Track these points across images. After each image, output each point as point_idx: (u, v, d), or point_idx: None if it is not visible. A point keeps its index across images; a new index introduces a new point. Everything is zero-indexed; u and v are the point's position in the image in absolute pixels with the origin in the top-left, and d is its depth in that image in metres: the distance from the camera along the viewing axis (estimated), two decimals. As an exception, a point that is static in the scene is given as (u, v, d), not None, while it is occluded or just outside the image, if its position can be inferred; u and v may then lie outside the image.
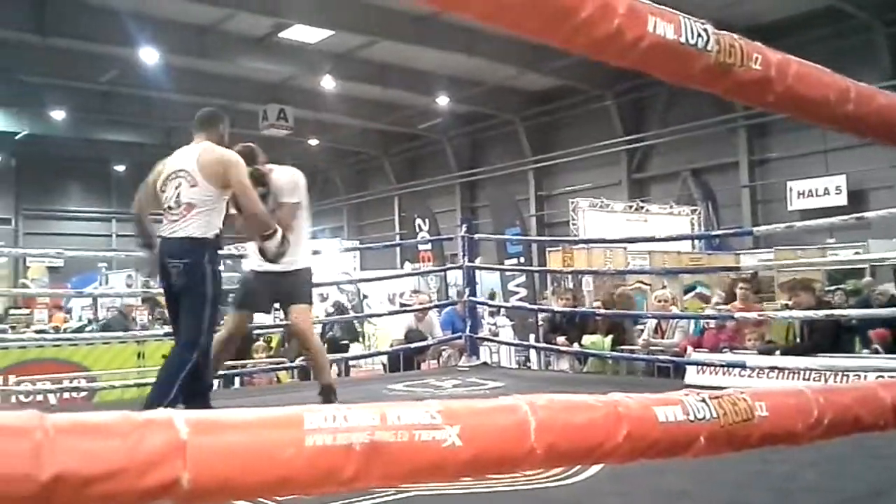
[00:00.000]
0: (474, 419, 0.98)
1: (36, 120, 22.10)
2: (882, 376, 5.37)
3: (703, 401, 1.18)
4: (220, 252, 4.30)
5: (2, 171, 26.72)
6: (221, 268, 4.40)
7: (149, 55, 16.76)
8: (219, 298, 4.22)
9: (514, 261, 13.32)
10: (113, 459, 0.74)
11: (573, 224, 15.38)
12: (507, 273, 13.01)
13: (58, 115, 21.39)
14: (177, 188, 4.17)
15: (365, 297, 15.34)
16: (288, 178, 4.94)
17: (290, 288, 4.85)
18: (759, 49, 1.28)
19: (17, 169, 26.95)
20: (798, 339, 7.59)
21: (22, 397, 7.08)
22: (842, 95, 1.39)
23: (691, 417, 1.15)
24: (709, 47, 1.19)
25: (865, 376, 5.54)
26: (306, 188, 5.10)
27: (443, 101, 20.33)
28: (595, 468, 2.95)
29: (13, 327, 13.13)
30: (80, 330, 13.02)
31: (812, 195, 16.34)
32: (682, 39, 1.15)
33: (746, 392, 1.26)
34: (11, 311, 14.78)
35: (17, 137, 23.26)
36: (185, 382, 3.95)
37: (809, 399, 1.33)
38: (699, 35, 1.18)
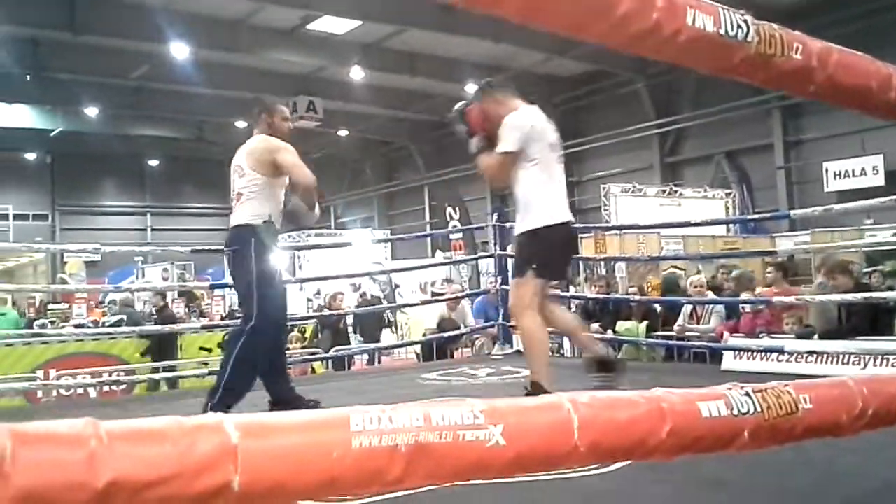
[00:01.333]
0: (517, 418, 0.99)
1: (70, 117, 22.40)
2: (923, 359, 5.29)
3: (747, 395, 1.17)
4: (271, 236, 4.24)
5: (38, 167, 27.17)
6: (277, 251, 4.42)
7: (179, 50, 16.91)
8: (267, 280, 4.20)
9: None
10: (166, 465, 0.76)
11: (605, 210, 15.28)
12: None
13: (91, 111, 21.66)
14: (232, 181, 4.41)
15: (397, 286, 15.41)
16: (505, 124, 4.05)
17: (515, 256, 4.31)
18: (800, 38, 1.26)
19: (52, 165, 27.38)
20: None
21: (63, 391, 7.22)
22: (884, 83, 1.37)
23: (735, 412, 1.14)
24: (748, 38, 1.17)
25: (906, 359, 5.45)
26: (537, 132, 3.98)
27: (471, 88, 20.26)
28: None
29: (52, 322, 13.36)
30: (118, 324, 13.22)
31: (849, 176, 16.06)
32: (722, 31, 1.14)
33: (790, 384, 1.25)
34: (50, 306, 15.02)
35: (52, 134, 23.61)
36: (259, 363, 4.16)
37: (853, 390, 1.32)
38: (738, 26, 1.16)
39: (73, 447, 0.72)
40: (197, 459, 0.78)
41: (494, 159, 3.93)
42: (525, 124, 3.88)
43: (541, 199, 3.89)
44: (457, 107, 4.27)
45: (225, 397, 3.98)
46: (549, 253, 3.83)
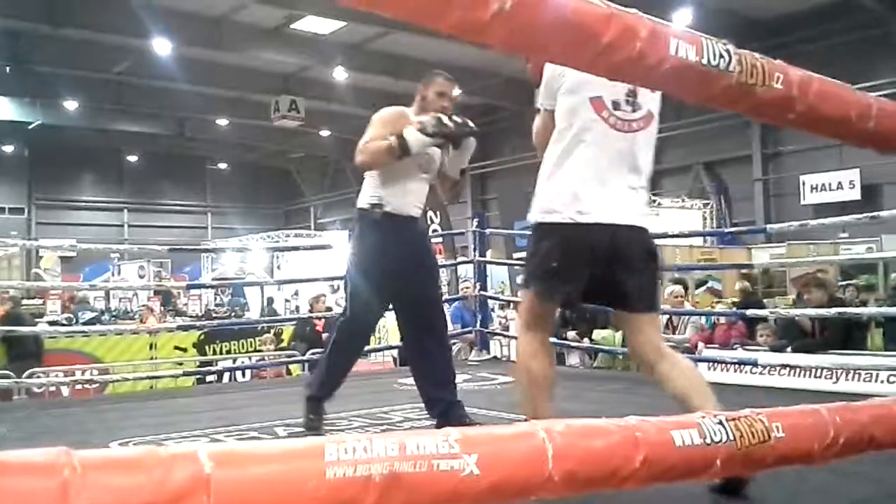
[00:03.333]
0: (492, 447, 0.99)
1: (49, 110, 22.19)
2: (894, 375, 5.35)
3: (720, 423, 1.18)
4: (377, 221, 3.68)
5: (15, 160, 26.89)
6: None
7: (161, 46, 16.80)
8: (363, 268, 3.73)
9: (524, 254, 13.28)
10: (139, 495, 0.76)
11: (585, 217, 15.33)
12: (517, 267, 12.97)
13: (71, 105, 21.48)
14: None
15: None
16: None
17: None
18: (782, 68, 1.27)
19: (30, 158, 27.12)
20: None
21: (35, 388, 7.13)
22: (863, 112, 1.38)
23: (708, 441, 1.15)
24: (730, 68, 1.19)
25: (878, 374, 5.51)
26: (569, 82, 2.74)
27: (455, 92, 20.27)
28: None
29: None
30: (92, 322, 13.10)
31: (825, 189, 16.26)
32: (704, 61, 1.15)
33: (763, 413, 1.26)
34: (24, 302, 14.85)
35: (30, 127, 23.37)
36: (351, 355, 3.91)
37: (825, 419, 1.33)
38: (721, 56, 1.17)
39: (47, 477, 0.71)
40: (170, 489, 0.77)
41: (538, 119, 2.87)
42: (558, 68, 2.60)
43: (548, 181, 2.76)
44: None
45: (319, 388, 3.78)
46: (539, 260, 2.75)
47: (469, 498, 0.96)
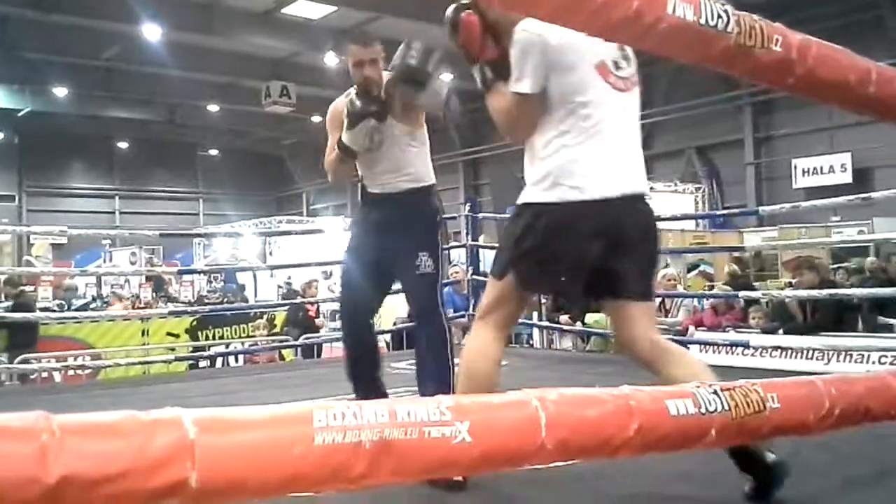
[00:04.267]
0: (484, 414, 0.97)
1: (39, 97, 22.01)
2: (885, 356, 5.37)
3: (715, 393, 1.16)
4: (361, 201, 3.56)
5: (5, 147, 26.69)
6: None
7: (151, 32, 16.67)
8: (347, 249, 3.57)
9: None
10: (120, 460, 0.73)
11: (577, 202, 15.35)
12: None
13: (60, 91, 21.32)
14: None
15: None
16: (515, 42, 2.68)
17: None
18: (781, 31, 1.25)
19: (20, 146, 26.91)
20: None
21: (28, 375, 7.10)
22: (863, 77, 1.36)
23: (703, 410, 1.13)
24: (729, 29, 1.16)
25: (868, 355, 5.54)
26: (561, 52, 2.35)
27: (446, 77, 20.20)
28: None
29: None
30: (84, 307, 13.05)
31: (817, 173, 16.29)
32: (702, 21, 1.12)
33: (758, 383, 1.25)
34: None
35: (20, 114, 23.20)
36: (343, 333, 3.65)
37: (821, 390, 1.32)
38: (719, 16, 1.15)
39: (24, 441, 0.69)
40: (152, 455, 0.75)
41: (505, 102, 2.43)
42: (539, 41, 2.26)
43: (545, 159, 2.40)
44: (448, 12, 2.49)
45: None
46: (523, 244, 2.40)
47: (461, 465, 0.94)
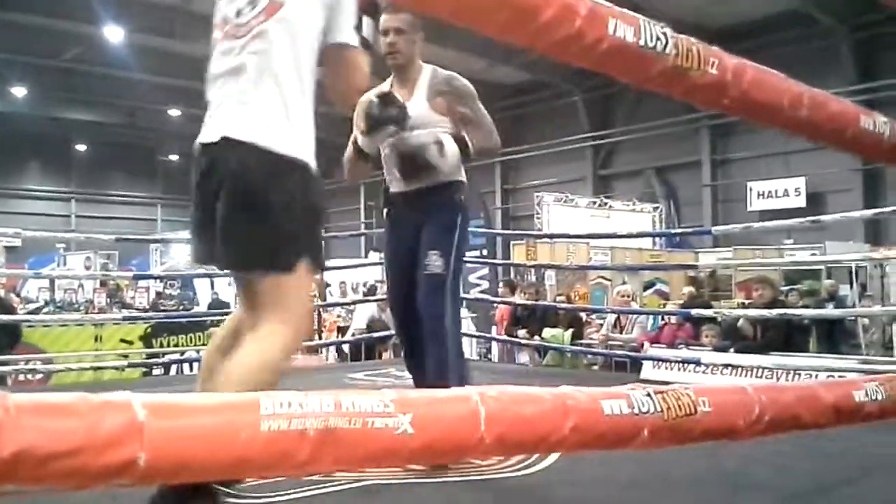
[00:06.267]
0: (426, 408, 1.01)
1: (-4, 96, 21.68)
2: (832, 376, 5.51)
3: (648, 395, 1.22)
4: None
5: (-41, 146, 26.17)
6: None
7: (113, 33, 16.52)
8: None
9: (476, 253, 13.34)
10: (72, 438, 0.77)
11: (537, 218, 15.50)
12: (469, 265, 13.01)
13: (18, 91, 20.99)
14: None
15: (328, 285, 15.29)
16: None
17: None
18: (717, 54, 1.32)
19: (-25, 145, 26.39)
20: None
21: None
22: (796, 101, 1.44)
23: (636, 411, 1.19)
24: (667, 51, 1.23)
25: (816, 375, 5.68)
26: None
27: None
28: (550, 459, 3.00)
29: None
30: (36, 311, 12.83)
31: (772, 196, 16.64)
32: (641, 42, 1.18)
33: (691, 388, 1.31)
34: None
35: (-25, 113, 22.79)
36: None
37: (752, 396, 1.38)
38: (658, 38, 1.21)
39: (-24, 417, 0.72)
40: (103, 435, 0.78)
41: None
42: None
43: None
44: None
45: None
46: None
47: (402, 455, 0.98)
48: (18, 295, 16.15)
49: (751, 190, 16.92)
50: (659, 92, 1.35)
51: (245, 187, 1.96)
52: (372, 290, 13.04)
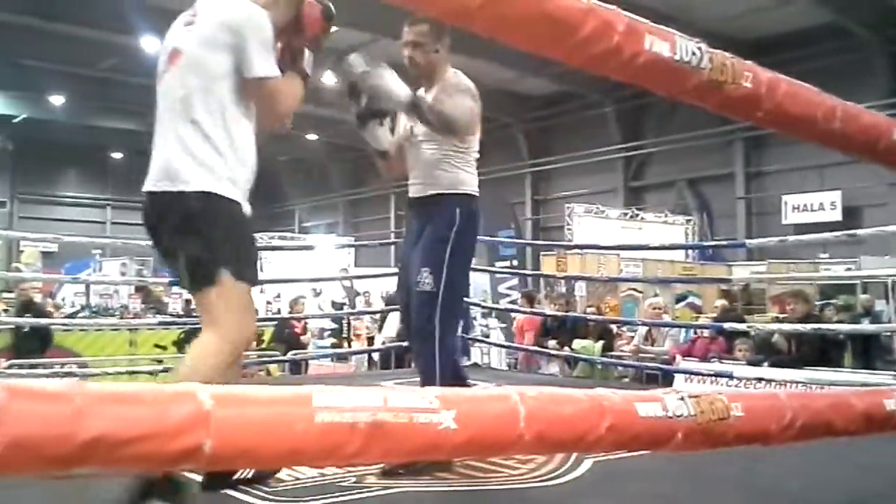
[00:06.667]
0: (469, 405, 1.06)
1: (35, 104, 22.08)
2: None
3: (682, 399, 1.25)
4: None
5: (-2, 153, 26.73)
6: None
7: (150, 44, 16.78)
8: None
9: (506, 263, 13.34)
10: (144, 425, 0.83)
11: (568, 229, 15.48)
12: (498, 275, 13.02)
13: (57, 100, 21.39)
14: None
15: (358, 293, 15.40)
16: None
17: None
18: (751, 68, 1.36)
19: (13, 152, 26.92)
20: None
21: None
22: (828, 113, 1.47)
23: (670, 414, 1.22)
24: (702, 65, 1.27)
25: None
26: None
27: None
28: (582, 469, 3.01)
29: (6, 311, 13.13)
30: (72, 316, 13.05)
31: (807, 209, 16.43)
32: (677, 57, 1.23)
33: (724, 393, 1.34)
34: (4, 295, 14.76)
35: (14, 121, 23.26)
36: None
37: (783, 403, 1.41)
38: (693, 53, 1.26)
39: (61, 403, 0.78)
40: (172, 422, 0.84)
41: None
42: None
43: None
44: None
45: None
46: None
47: (446, 449, 1.03)
48: (53, 300, 16.44)
49: (785, 203, 16.73)
50: (694, 104, 1.39)
51: (168, 225, 2.38)
52: (391, 300, 13.11)
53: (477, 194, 3.25)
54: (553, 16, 1.07)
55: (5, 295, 14.84)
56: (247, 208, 2.44)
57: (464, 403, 1.04)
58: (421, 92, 3.12)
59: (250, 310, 2.39)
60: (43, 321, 8.74)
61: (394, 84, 2.98)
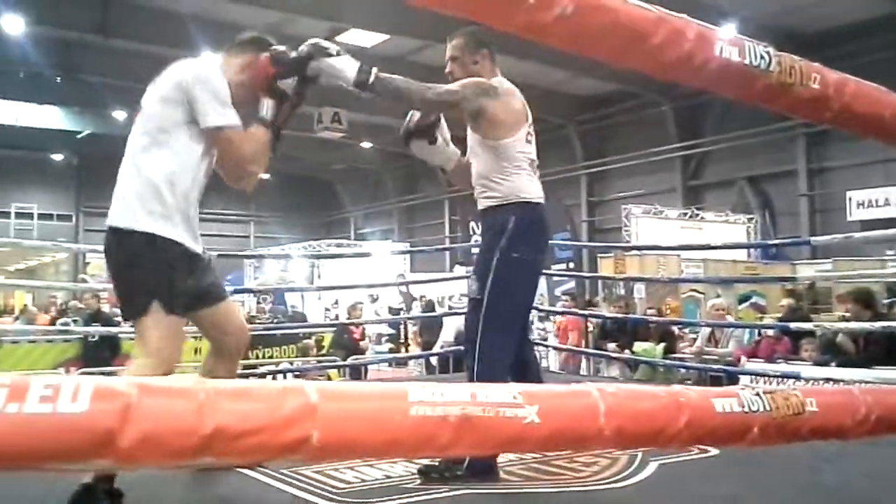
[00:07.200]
0: (551, 401, 1.10)
1: (97, 119, 22.69)
2: (939, 389, 5.34)
3: (758, 395, 1.28)
4: None
5: (64, 168, 27.55)
6: None
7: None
8: None
9: (563, 266, 13.30)
10: (258, 418, 0.90)
11: (626, 230, 15.36)
12: (555, 278, 12.99)
13: (119, 115, 21.97)
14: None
15: (414, 299, 15.52)
16: None
17: None
18: (818, 69, 1.38)
19: (78, 167, 27.73)
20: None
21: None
22: (896, 112, 1.48)
23: (746, 409, 1.25)
24: (770, 68, 1.30)
25: (921, 389, 5.50)
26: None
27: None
28: (647, 472, 3.03)
29: (75, 321, 13.56)
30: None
31: (872, 205, 16.02)
32: (747, 61, 1.26)
33: (798, 388, 1.36)
34: (73, 305, 15.22)
35: (79, 136, 23.94)
36: None
37: (857, 397, 1.43)
38: (762, 57, 1.29)
39: (186, 398, 0.86)
40: (283, 415, 0.91)
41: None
42: None
43: None
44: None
45: None
46: None
47: (530, 442, 1.08)
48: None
49: (850, 199, 16.33)
50: (762, 106, 1.41)
51: (110, 258, 2.71)
52: (430, 306, 13.22)
53: (537, 200, 3.23)
54: (626, 26, 1.12)
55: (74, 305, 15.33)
56: (186, 242, 2.73)
57: (546, 399, 1.09)
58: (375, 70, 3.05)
59: (178, 336, 2.67)
60: (113, 329, 9.02)
61: (340, 63, 2.98)
